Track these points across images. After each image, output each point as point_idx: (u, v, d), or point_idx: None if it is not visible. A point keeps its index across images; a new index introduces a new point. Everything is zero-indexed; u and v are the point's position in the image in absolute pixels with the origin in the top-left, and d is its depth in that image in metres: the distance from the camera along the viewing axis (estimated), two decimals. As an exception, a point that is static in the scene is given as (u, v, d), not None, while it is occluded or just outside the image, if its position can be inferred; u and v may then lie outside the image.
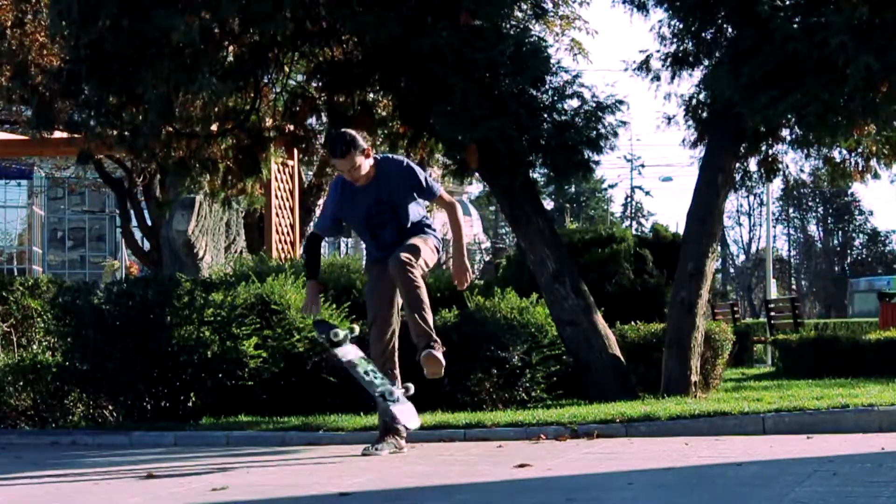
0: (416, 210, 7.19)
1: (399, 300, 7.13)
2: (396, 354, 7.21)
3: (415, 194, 7.12)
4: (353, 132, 6.97)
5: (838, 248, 65.19)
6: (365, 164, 6.96)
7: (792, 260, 67.72)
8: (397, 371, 7.19)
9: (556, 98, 9.40)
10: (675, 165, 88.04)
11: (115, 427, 9.26)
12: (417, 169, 7.11)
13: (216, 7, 8.79)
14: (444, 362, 6.93)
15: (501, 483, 5.72)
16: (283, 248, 14.27)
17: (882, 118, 8.85)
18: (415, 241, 7.06)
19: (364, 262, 8.04)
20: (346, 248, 45.97)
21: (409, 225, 7.14)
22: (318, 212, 27.30)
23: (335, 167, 7.11)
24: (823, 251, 65.43)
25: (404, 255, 6.92)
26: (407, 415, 6.97)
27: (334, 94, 10.20)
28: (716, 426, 7.71)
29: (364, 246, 7.58)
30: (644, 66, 9.80)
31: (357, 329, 7.37)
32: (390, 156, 7.29)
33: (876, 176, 10.07)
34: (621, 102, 9.43)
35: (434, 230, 7.29)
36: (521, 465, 6.20)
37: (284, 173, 14.43)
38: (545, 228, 9.75)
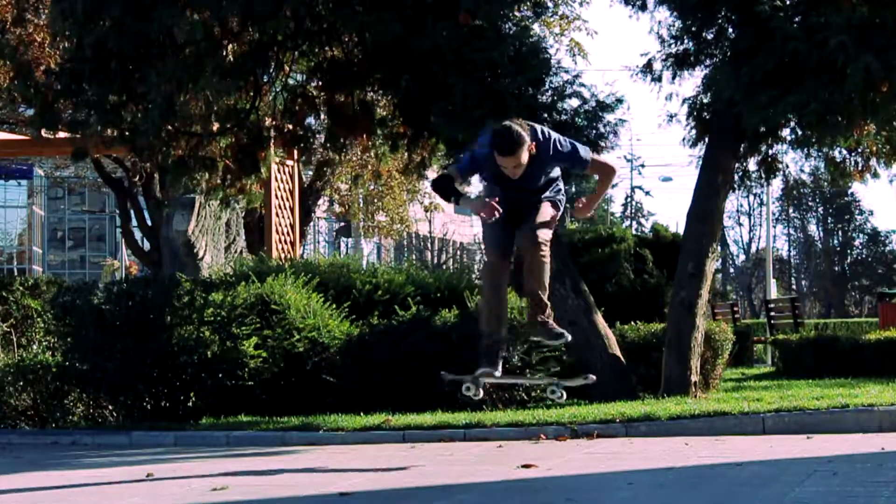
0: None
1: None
2: (507, 299, 7.03)
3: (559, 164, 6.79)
4: (519, 129, 6.44)
5: (838, 248, 65.11)
6: (526, 157, 6.53)
7: (792, 260, 67.68)
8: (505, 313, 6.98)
9: (555, 98, 9.41)
10: (675, 165, 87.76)
11: (115, 427, 9.26)
12: (565, 147, 6.64)
13: (218, 5, 8.79)
14: (553, 327, 6.87)
15: (502, 483, 5.72)
16: (283, 248, 14.26)
17: (882, 118, 8.85)
18: (548, 210, 6.77)
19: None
20: (346, 248, 45.94)
21: (542, 183, 6.81)
22: (318, 211, 27.43)
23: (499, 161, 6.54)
24: (823, 251, 65.37)
25: (542, 235, 6.69)
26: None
27: (334, 93, 10.20)
28: (716, 426, 7.71)
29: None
30: (647, 68, 9.77)
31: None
32: (541, 132, 6.62)
33: (875, 175, 10.07)
34: (621, 101, 9.43)
35: (563, 188, 6.93)
36: (522, 465, 6.20)
37: (284, 173, 14.42)
38: (545, 228, 9.73)
